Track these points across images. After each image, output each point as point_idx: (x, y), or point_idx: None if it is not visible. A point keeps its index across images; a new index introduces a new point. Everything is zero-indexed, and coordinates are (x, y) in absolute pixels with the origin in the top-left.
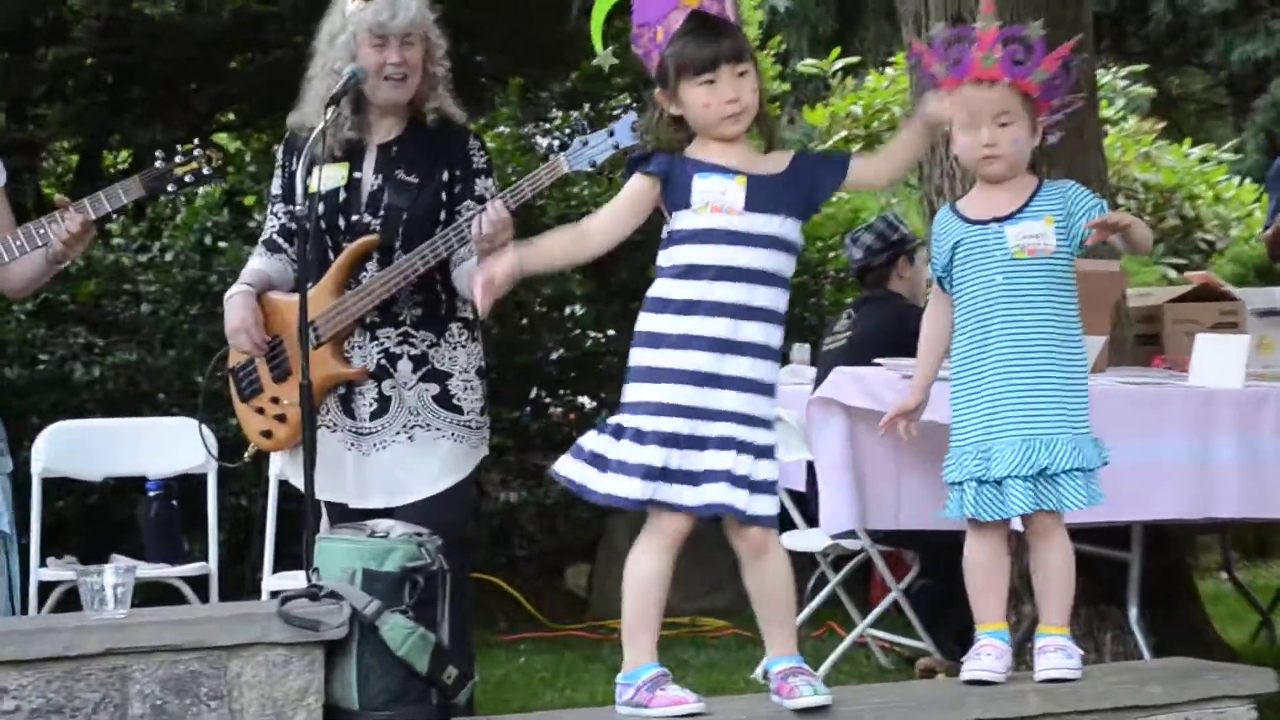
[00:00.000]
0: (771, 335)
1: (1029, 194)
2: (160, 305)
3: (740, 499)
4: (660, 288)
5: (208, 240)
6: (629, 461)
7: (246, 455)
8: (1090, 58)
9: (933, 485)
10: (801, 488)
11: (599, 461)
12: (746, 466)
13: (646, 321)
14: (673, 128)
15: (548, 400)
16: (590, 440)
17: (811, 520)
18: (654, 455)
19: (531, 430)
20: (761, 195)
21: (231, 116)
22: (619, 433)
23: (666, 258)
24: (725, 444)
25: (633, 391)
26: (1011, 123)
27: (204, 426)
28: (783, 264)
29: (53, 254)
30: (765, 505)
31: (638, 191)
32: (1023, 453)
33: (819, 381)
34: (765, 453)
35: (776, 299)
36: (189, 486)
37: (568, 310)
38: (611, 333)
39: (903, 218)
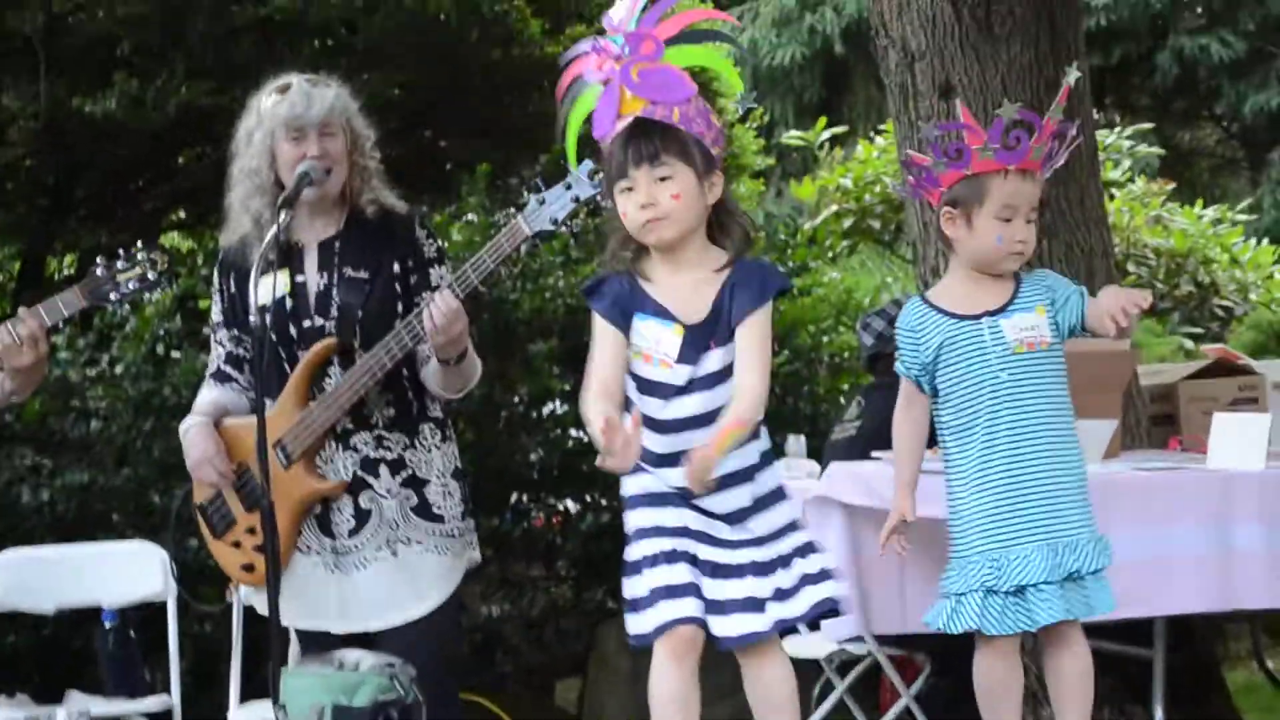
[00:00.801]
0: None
1: (1012, 285)
2: (111, 421)
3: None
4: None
5: (160, 350)
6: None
7: (230, 595)
8: (1089, 122)
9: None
10: None
11: (634, 605)
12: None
13: None
14: (623, 240)
15: (529, 505)
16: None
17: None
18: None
19: (513, 538)
20: (695, 340)
21: (183, 214)
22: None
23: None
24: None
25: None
26: (1034, 220)
27: (165, 557)
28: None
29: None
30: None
31: (612, 341)
32: (1049, 557)
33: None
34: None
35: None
36: (150, 611)
37: (547, 409)
38: None
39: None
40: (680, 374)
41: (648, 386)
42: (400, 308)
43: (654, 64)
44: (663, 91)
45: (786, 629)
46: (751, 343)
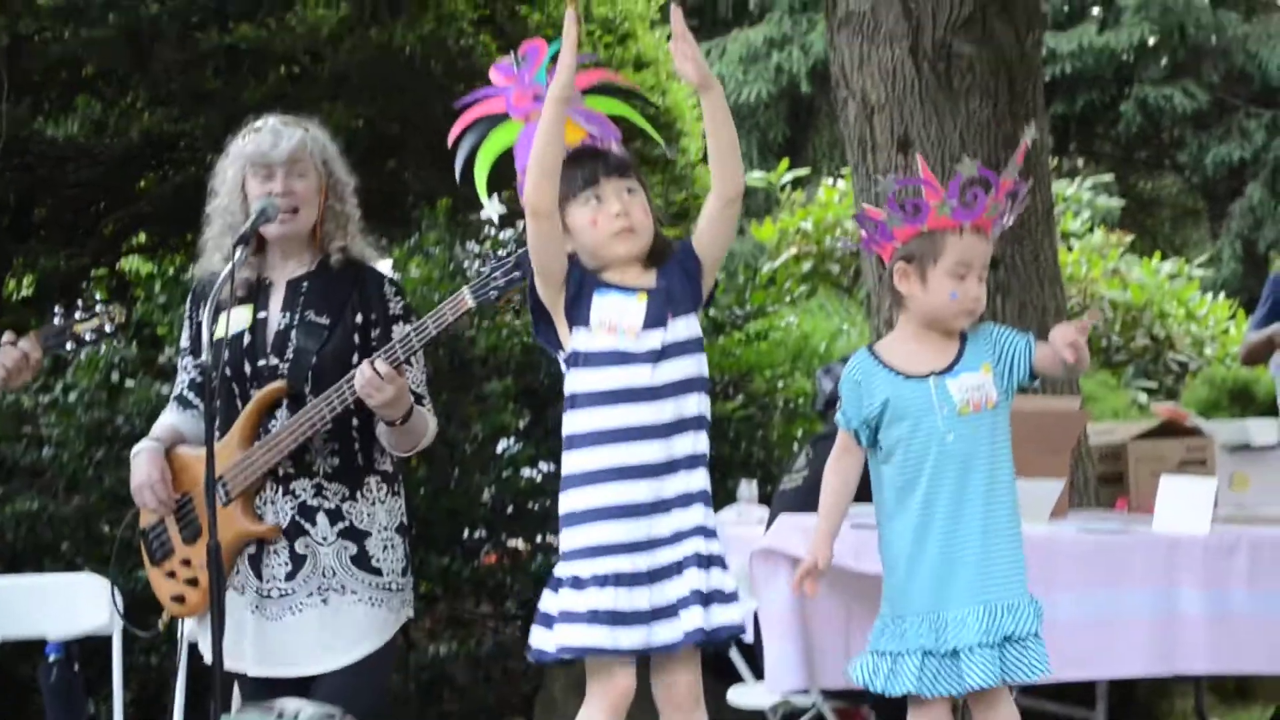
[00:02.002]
0: (701, 443)
1: (958, 344)
2: (63, 449)
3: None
4: (570, 421)
5: (115, 377)
6: (574, 610)
7: (160, 623)
8: (1046, 179)
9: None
10: (748, 638)
11: (545, 619)
12: (713, 580)
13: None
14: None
15: (479, 543)
16: (542, 601)
17: (760, 673)
18: (599, 599)
19: (462, 576)
20: (656, 308)
21: (143, 238)
22: (564, 584)
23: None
24: (669, 572)
25: (563, 538)
26: (984, 278)
27: (113, 585)
28: (693, 367)
29: None
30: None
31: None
32: (985, 620)
33: (771, 521)
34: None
35: (702, 405)
36: (95, 643)
37: (501, 446)
38: (547, 469)
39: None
40: (651, 339)
41: (619, 358)
42: (356, 359)
43: (580, 106)
44: (600, 128)
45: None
46: None
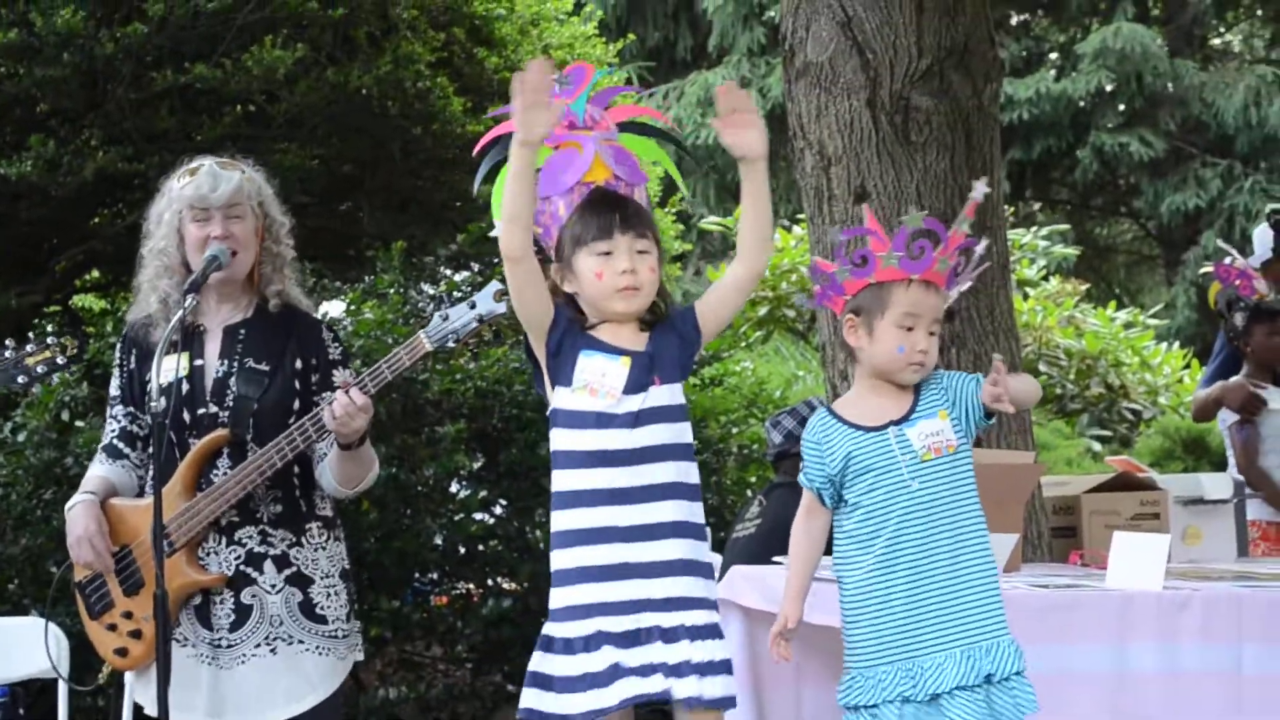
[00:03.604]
0: (685, 511)
1: (913, 393)
2: (12, 488)
3: (688, 686)
4: (555, 480)
5: (65, 416)
6: (571, 675)
7: (101, 677)
8: (1001, 232)
9: (836, 694)
10: None
11: (543, 681)
12: (683, 653)
13: (554, 519)
14: (567, 304)
15: (430, 587)
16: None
17: None
18: (589, 662)
19: (412, 620)
20: (639, 372)
21: (95, 274)
22: (549, 645)
23: (553, 441)
24: (650, 635)
25: (553, 596)
26: (935, 332)
27: (54, 632)
28: (676, 434)
29: None
30: (716, 687)
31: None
32: (962, 663)
33: (724, 570)
34: (704, 633)
35: (681, 472)
36: (42, 684)
37: (452, 488)
38: (499, 511)
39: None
40: (629, 403)
41: (596, 419)
42: (297, 405)
43: (614, 142)
44: (629, 171)
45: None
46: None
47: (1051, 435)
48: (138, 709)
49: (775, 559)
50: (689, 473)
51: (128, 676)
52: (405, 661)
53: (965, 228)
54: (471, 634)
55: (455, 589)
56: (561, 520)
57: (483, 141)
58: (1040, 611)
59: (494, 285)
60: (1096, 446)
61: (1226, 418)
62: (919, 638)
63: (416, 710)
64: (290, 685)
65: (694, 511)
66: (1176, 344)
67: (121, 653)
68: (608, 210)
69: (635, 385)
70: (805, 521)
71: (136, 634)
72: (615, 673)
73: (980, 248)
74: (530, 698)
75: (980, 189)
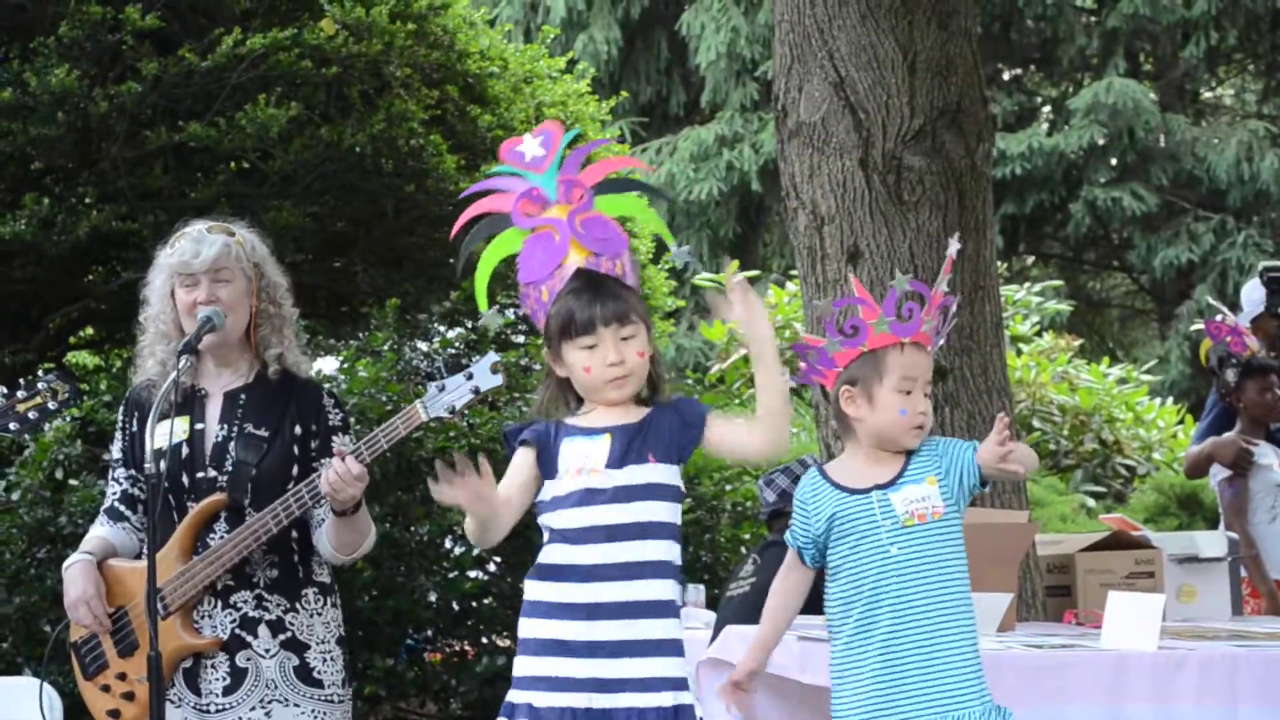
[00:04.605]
0: (658, 590)
1: (904, 458)
2: (6, 547)
3: None
4: (541, 555)
5: (59, 475)
6: None
7: None
8: (994, 291)
9: None
10: None
11: None
12: None
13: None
14: (560, 391)
15: (424, 645)
16: None
17: None
18: None
19: (407, 678)
20: (624, 447)
21: (89, 331)
22: (511, 713)
23: (543, 522)
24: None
25: (519, 664)
26: (929, 392)
27: (48, 692)
28: (662, 512)
29: None
30: None
31: (520, 465)
32: None
33: (717, 629)
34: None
35: (664, 551)
36: None
37: (446, 544)
38: (493, 568)
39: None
40: (612, 478)
41: (579, 498)
42: (296, 471)
43: (590, 213)
44: (606, 245)
45: None
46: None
47: (1045, 492)
48: None
49: None
50: (676, 553)
51: None
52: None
53: (945, 286)
54: (466, 691)
55: (449, 646)
56: (538, 591)
57: (455, 229)
58: (1034, 672)
59: (491, 357)
60: (1090, 503)
61: (1218, 473)
62: (895, 702)
63: None
64: None
65: (673, 589)
66: (1170, 399)
67: (114, 714)
68: (589, 302)
69: (618, 459)
70: (784, 577)
71: (130, 695)
72: None
73: (953, 303)
74: None
75: (954, 245)
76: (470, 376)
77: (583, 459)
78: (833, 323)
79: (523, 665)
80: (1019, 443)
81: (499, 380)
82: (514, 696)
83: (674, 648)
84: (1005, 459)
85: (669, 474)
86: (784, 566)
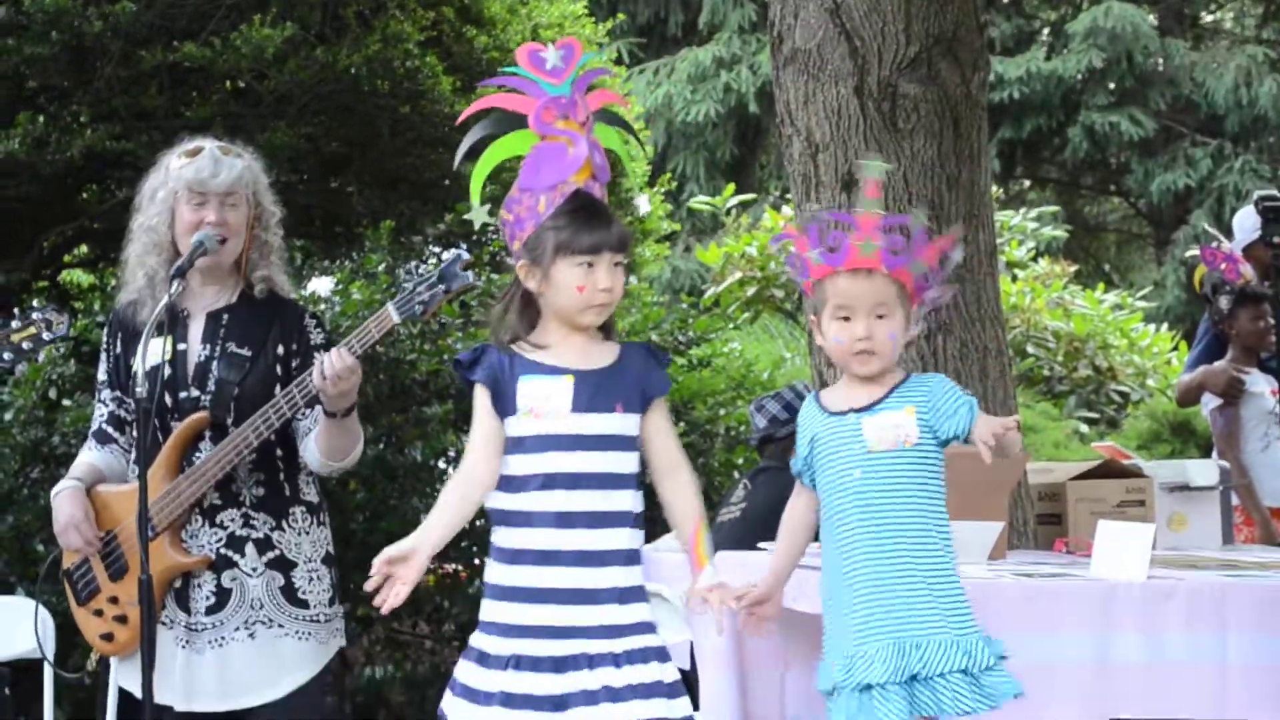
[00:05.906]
0: (621, 539)
1: (892, 385)
2: None
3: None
4: (493, 500)
5: (52, 394)
6: (483, 689)
7: (89, 664)
8: (989, 220)
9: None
10: (687, 666)
11: (471, 694)
12: (606, 679)
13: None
14: (523, 307)
15: None
16: (459, 670)
17: (697, 703)
18: (505, 681)
19: None
20: (591, 392)
21: (84, 249)
22: (482, 659)
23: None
24: (579, 663)
25: (485, 609)
26: (888, 315)
27: (40, 614)
28: (624, 463)
29: None
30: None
31: (483, 413)
32: (895, 657)
33: None
34: (633, 658)
35: (625, 501)
36: (27, 663)
37: (440, 466)
38: None
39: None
40: (577, 424)
41: (540, 443)
42: (278, 390)
43: (593, 134)
44: (603, 171)
45: None
46: (669, 428)
47: (1039, 417)
48: (123, 692)
49: (760, 545)
50: (639, 501)
51: (113, 660)
52: (392, 640)
53: (876, 209)
54: (459, 613)
55: (442, 568)
56: (506, 537)
57: (464, 115)
58: (1023, 601)
59: (459, 255)
60: (1084, 429)
61: (1210, 402)
62: (860, 627)
63: (403, 688)
64: (268, 670)
65: (639, 537)
66: (1165, 325)
67: (107, 638)
68: (601, 226)
69: (583, 405)
70: (794, 500)
71: (122, 619)
72: (531, 702)
73: (907, 220)
74: (446, 701)
75: (875, 167)
76: (441, 278)
77: (544, 401)
78: (817, 232)
79: (489, 610)
80: (1015, 432)
81: (469, 278)
82: (475, 640)
83: (644, 594)
84: (986, 442)
85: (631, 425)
86: (794, 492)
